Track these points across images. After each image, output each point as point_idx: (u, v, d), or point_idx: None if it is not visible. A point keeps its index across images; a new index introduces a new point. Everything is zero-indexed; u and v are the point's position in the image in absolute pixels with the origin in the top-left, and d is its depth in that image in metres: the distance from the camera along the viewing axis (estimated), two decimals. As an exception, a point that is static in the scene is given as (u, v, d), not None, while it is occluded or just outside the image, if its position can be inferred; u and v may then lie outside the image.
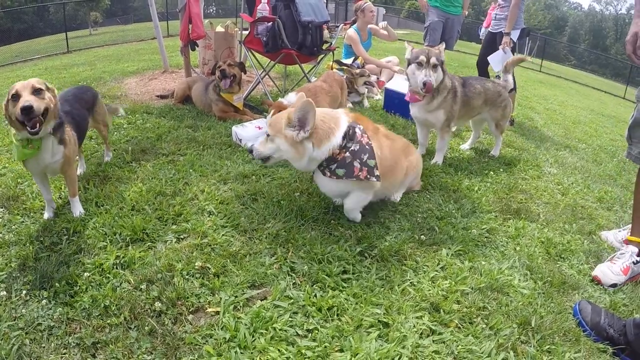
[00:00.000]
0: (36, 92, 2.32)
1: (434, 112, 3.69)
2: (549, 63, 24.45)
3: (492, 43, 6.09)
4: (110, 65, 8.69)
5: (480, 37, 7.06)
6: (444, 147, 3.89)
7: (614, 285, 2.46)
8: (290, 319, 1.94)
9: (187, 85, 5.11)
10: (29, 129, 2.29)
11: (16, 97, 2.28)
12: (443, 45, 3.69)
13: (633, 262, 2.52)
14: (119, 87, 6.26)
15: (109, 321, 1.90)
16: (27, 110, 2.22)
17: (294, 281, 2.17)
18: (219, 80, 4.48)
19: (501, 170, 3.90)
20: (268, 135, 2.54)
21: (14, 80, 8.39)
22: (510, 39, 5.69)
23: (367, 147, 2.50)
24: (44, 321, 1.91)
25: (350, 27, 6.52)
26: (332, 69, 5.35)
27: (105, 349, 1.79)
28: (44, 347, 1.80)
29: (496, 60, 5.69)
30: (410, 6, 47.04)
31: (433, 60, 3.43)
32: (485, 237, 2.75)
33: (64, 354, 1.77)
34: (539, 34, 35.22)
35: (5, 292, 2.07)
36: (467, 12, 7.25)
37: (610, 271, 2.50)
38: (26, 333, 1.86)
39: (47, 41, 19.49)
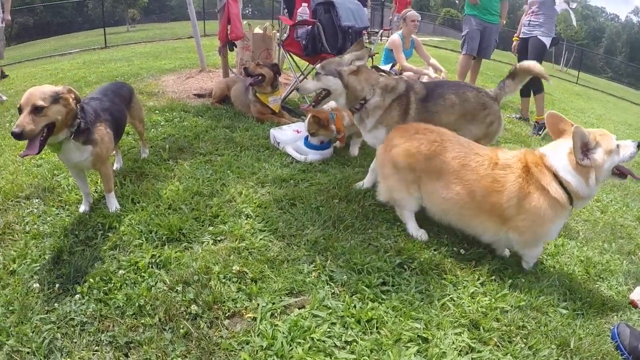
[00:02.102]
0: (36, 110, 2.19)
1: (372, 133, 3.05)
2: (585, 75, 23.95)
3: (526, 50, 6.01)
4: (147, 62, 8.79)
5: (513, 53, 6.92)
6: None
7: None
8: (328, 329, 1.90)
9: (226, 85, 5.12)
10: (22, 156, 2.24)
11: (19, 111, 2.21)
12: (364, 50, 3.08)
13: None
14: (156, 84, 6.31)
15: (142, 321, 1.89)
16: (16, 136, 2.13)
17: (332, 291, 2.13)
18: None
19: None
20: None
21: (52, 72, 8.58)
22: (542, 43, 5.62)
23: None
24: (76, 316, 1.92)
25: (393, 33, 6.46)
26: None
27: (138, 349, 1.78)
28: (75, 342, 1.80)
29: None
30: (446, 13, 46.70)
31: (318, 67, 3.06)
32: None
33: (96, 351, 1.77)
34: (575, 45, 34.56)
35: (38, 285, 2.09)
36: (504, 21, 7.13)
37: None
38: (58, 327, 1.86)
39: (85, 36, 19.85)
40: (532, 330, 2.01)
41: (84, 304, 1.98)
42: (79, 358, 1.73)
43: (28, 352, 1.74)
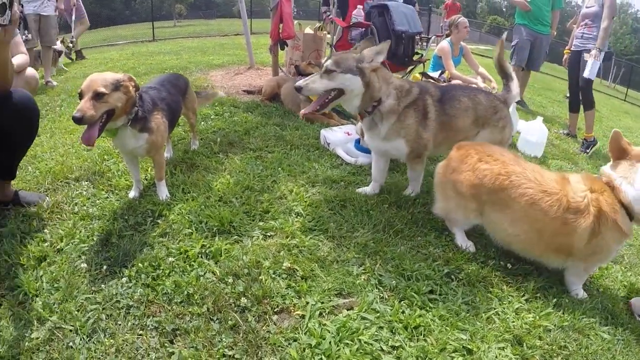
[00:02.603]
0: (97, 96, 2.23)
1: (390, 142, 2.86)
2: (634, 92, 23.24)
3: (578, 63, 5.84)
4: (195, 57, 8.93)
5: (564, 66, 6.78)
6: (419, 176, 3.12)
7: None
8: (376, 333, 1.89)
9: (276, 83, 5.17)
10: (82, 143, 2.28)
11: (80, 96, 2.26)
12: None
13: None
14: (204, 79, 6.41)
15: (190, 309, 1.92)
16: (77, 120, 2.17)
17: (381, 295, 2.13)
18: None
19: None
20: None
21: (102, 61, 8.80)
22: (599, 52, 5.44)
23: None
24: (122, 299, 1.95)
25: (443, 40, 6.40)
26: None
27: (184, 337, 1.80)
28: (119, 324, 1.83)
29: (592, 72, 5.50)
30: (492, 21, 45.91)
31: (328, 63, 2.72)
32: None
33: (140, 334, 1.79)
34: (624, 60, 33.54)
35: (85, 265, 2.13)
36: (555, 32, 6.98)
37: None
38: (103, 308, 1.89)
39: (134, 28, 20.26)
40: (573, 352, 1.96)
41: (130, 288, 2.01)
42: (123, 340, 1.75)
43: (71, 330, 1.78)
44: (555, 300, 2.27)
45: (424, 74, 5.82)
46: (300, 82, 2.70)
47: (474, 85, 5.95)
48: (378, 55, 2.66)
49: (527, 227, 2.34)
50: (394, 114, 2.76)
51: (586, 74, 5.51)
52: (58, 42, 7.57)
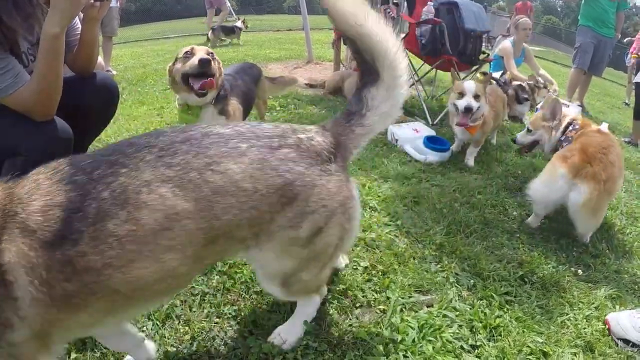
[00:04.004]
0: (205, 59, 2.36)
1: None
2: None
3: None
4: (252, 50, 9.04)
5: (627, 64, 6.61)
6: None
7: (626, 342, 2.02)
8: (457, 331, 1.89)
9: (340, 77, 5.19)
10: (197, 90, 2.38)
11: (189, 53, 2.35)
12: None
13: None
14: (264, 71, 6.46)
15: (268, 299, 1.92)
16: (205, 63, 2.28)
17: (459, 293, 2.13)
18: None
19: (651, 216, 3.59)
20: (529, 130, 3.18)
21: (159, 52, 9.00)
22: None
23: None
24: (198, 286, 1.95)
25: (505, 39, 6.31)
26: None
27: (264, 328, 1.78)
28: (194, 312, 1.83)
29: None
30: (547, 21, 44.45)
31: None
32: (637, 284, 2.53)
33: (217, 323, 1.79)
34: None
35: None
36: (619, 35, 6.76)
37: (629, 323, 2.05)
38: (177, 295, 1.89)
39: (186, 23, 20.58)
40: None
41: (206, 275, 2.03)
42: (199, 328, 1.75)
43: (142, 315, 1.78)
44: (622, 309, 2.23)
45: (484, 74, 5.74)
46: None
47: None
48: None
49: None
50: None
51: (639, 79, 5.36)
52: (239, 22, 9.53)
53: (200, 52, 2.40)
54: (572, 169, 2.54)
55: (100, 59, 3.05)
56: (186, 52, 2.39)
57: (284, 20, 12.86)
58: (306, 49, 7.50)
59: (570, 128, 3.01)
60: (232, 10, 10.89)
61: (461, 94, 3.34)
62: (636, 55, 6.35)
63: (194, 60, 2.34)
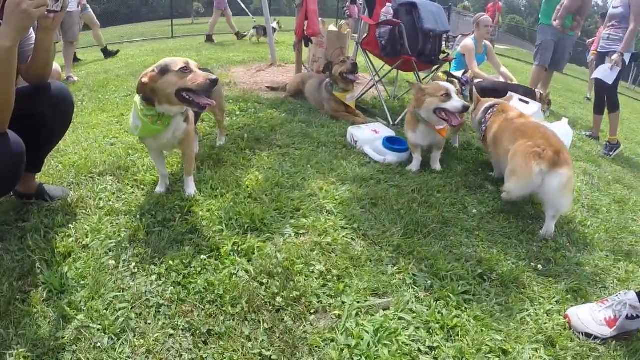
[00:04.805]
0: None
1: None
2: (657, 94, 22.86)
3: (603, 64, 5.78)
4: (215, 53, 8.95)
5: (588, 62, 6.80)
6: None
7: (587, 336, 2.04)
8: (413, 333, 1.87)
9: (301, 80, 5.17)
10: (201, 107, 2.34)
11: (186, 69, 2.29)
12: None
13: (627, 316, 2.07)
14: (226, 75, 6.42)
15: (224, 309, 1.88)
16: (215, 82, 2.28)
17: (417, 295, 2.11)
18: (340, 78, 4.50)
19: (612, 207, 3.65)
20: None
21: (122, 56, 8.85)
22: (622, 59, 5.40)
23: None
24: (152, 297, 1.91)
25: (467, 37, 6.37)
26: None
27: (219, 338, 1.76)
28: (150, 324, 1.79)
29: (605, 76, 5.50)
30: (511, 20, 45.48)
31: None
32: (598, 276, 2.57)
33: (172, 335, 1.76)
34: (645, 63, 33.06)
35: (113, 262, 2.10)
36: (579, 33, 6.90)
37: (589, 317, 2.08)
38: (132, 307, 1.86)
39: (152, 26, 20.28)
40: (603, 354, 1.94)
41: (160, 286, 1.98)
42: (154, 340, 1.72)
43: (98, 329, 1.73)
44: (583, 301, 2.25)
45: (446, 73, 5.78)
46: None
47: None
48: None
49: None
50: None
51: (600, 76, 5.51)
52: (274, 23, 8.79)
53: (194, 68, 2.34)
54: (550, 162, 2.71)
55: (56, 67, 2.97)
56: (183, 68, 2.29)
57: (249, 22, 12.75)
58: (270, 52, 7.45)
59: (490, 112, 3.46)
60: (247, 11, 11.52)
61: (447, 96, 3.20)
62: (595, 52, 6.45)
63: (203, 80, 2.27)
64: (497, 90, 5.21)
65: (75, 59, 9.35)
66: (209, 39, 12.05)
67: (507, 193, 2.87)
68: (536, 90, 5.88)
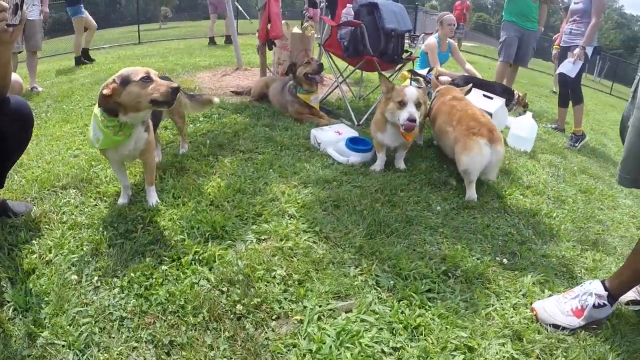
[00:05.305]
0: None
1: None
2: (619, 86, 23.42)
3: (565, 58, 5.91)
4: (182, 59, 8.85)
5: (553, 60, 6.94)
6: None
7: (555, 327, 2.05)
8: (376, 335, 1.86)
9: (265, 83, 5.13)
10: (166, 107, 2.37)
11: (147, 79, 2.27)
12: None
13: (594, 305, 2.07)
14: (192, 81, 6.35)
15: (185, 319, 1.87)
16: (177, 91, 2.29)
17: (379, 295, 2.10)
18: (304, 79, 4.49)
19: (578, 198, 3.72)
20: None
21: (88, 65, 8.67)
22: (585, 52, 5.53)
23: None
24: (115, 311, 1.89)
25: (431, 36, 6.41)
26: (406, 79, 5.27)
27: (181, 349, 1.75)
28: (113, 338, 1.77)
29: (568, 69, 5.67)
30: (478, 18, 46.17)
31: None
32: (565, 267, 2.60)
33: (135, 347, 1.74)
34: (609, 55, 33.85)
35: (75, 276, 2.07)
36: (543, 28, 7.03)
37: (556, 308, 2.10)
38: (96, 321, 1.84)
39: (119, 32, 20.03)
40: (572, 345, 1.95)
41: (123, 299, 1.96)
42: (118, 354, 1.70)
43: (63, 346, 1.71)
44: (550, 293, 2.27)
45: (412, 71, 5.81)
46: None
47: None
48: None
49: None
50: None
51: (564, 70, 5.69)
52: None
53: (155, 77, 2.33)
54: (489, 139, 3.13)
55: (17, 78, 2.90)
56: (144, 77, 2.27)
57: (217, 25, 12.66)
58: (236, 56, 7.40)
59: (433, 95, 4.03)
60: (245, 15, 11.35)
61: (402, 103, 3.15)
62: (558, 47, 6.56)
63: (165, 89, 2.28)
64: (483, 87, 5.33)
65: (89, 59, 9.22)
66: (212, 41, 12.24)
67: (467, 170, 3.16)
68: (516, 91, 6.00)
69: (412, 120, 3.10)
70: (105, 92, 2.27)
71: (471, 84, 4.17)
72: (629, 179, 2.04)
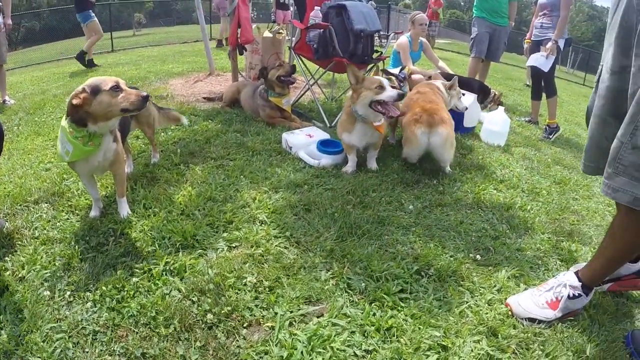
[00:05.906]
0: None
1: None
2: (592, 76, 23.77)
3: (538, 52, 5.99)
4: (155, 66, 8.79)
5: (525, 56, 7.07)
6: None
7: (531, 320, 2.05)
8: (348, 338, 1.86)
9: (236, 88, 5.10)
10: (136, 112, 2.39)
11: (117, 88, 2.27)
12: None
13: (569, 296, 2.08)
14: (164, 88, 6.30)
15: (157, 331, 1.85)
16: (147, 99, 2.33)
17: (351, 298, 2.09)
18: (276, 82, 4.48)
19: (552, 189, 3.75)
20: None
21: (60, 75, 8.59)
22: (557, 46, 5.61)
23: None
24: (88, 325, 1.87)
25: (402, 36, 6.43)
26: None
27: (154, 358, 1.73)
28: (87, 352, 1.75)
29: (541, 63, 5.76)
30: (451, 15, 46.57)
31: None
32: (540, 259, 2.61)
33: None
34: (581, 46, 34.39)
35: (48, 292, 2.05)
36: (513, 23, 7.12)
37: (531, 302, 2.10)
38: (69, 336, 1.82)
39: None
40: (549, 337, 1.96)
41: (96, 313, 1.94)
42: None
43: None
44: (525, 287, 2.28)
45: (384, 71, 5.82)
46: None
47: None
48: None
49: None
50: None
51: (536, 64, 5.76)
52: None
53: (124, 86, 2.34)
54: (427, 125, 3.39)
55: None
56: (114, 87, 2.26)
57: (192, 31, 12.60)
58: (208, 61, 7.35)
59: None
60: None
61: (380, 87, 3.18)
62: (529, 41, 6.65)
63: (135, 98, 2.31)
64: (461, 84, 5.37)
65: (92, 64, 9.12)
66: (220, 44, 12.33)
67: (407, 158, 3.57)
68: (492, 90, 6.08)
69: (400, 95, 3.20)
70: (75, 102, 2.24)
71: (456, 77, 4.26)
72: (592, 167, 2.07)
